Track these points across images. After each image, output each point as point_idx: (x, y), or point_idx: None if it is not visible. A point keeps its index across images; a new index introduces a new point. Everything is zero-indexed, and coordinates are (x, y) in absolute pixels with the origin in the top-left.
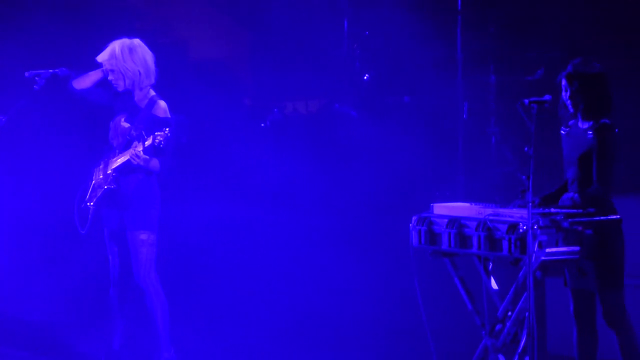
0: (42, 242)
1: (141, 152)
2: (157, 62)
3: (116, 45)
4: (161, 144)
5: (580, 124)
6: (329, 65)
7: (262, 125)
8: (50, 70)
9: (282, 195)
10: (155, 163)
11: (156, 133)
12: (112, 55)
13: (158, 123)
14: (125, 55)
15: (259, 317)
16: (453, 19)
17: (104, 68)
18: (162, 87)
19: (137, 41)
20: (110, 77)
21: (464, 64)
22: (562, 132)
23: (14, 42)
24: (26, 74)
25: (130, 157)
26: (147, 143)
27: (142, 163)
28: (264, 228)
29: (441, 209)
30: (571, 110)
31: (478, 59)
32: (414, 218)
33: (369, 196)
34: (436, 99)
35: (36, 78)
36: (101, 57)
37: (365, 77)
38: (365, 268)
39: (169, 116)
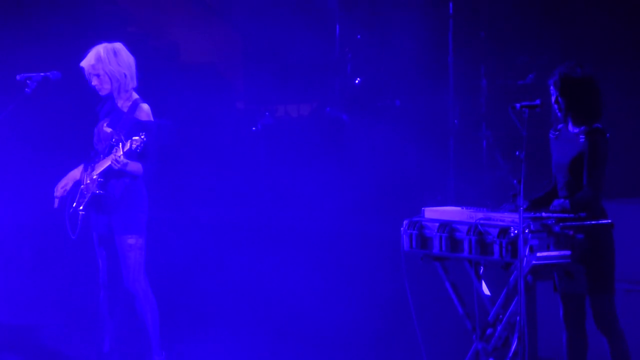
0: (31, 246)
1: (121, 157)
2: (150, 66)
3: (100, 49)
4: (138, 149)
5: (570, 128)
6: (321, 69)
7: (254, 128)
8: (42, 74)
9: (272, 198)
10: (137, 167)
11: (133, 138)
12: (98, 59)
13: (139, 127)
14: (111, 58)
15: (250, 321)
16: (444, 23)
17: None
18: (154, 91)
19: (119, 45)
20: (94, 83)
21: (455, 68)
22: (550, 135)
23: (6, 45)
24: (18, 77)
25: (111, 162)
26: (126, 148)
27: (122, 167)
28: (254, 231)
29: (432, 213)
30: (559, 114)
31: (469, 63)
32: (405, 222)
33: (360, 200)
34: (427, 102)
35: (28, 81)
36: (86, 62)
37: (356, 81)
38: (356, 272)
39: (152, 119)
